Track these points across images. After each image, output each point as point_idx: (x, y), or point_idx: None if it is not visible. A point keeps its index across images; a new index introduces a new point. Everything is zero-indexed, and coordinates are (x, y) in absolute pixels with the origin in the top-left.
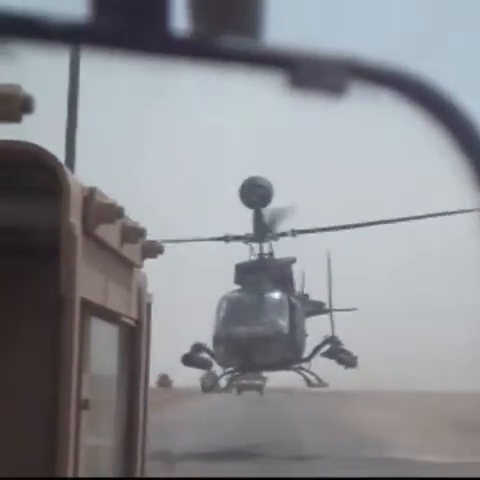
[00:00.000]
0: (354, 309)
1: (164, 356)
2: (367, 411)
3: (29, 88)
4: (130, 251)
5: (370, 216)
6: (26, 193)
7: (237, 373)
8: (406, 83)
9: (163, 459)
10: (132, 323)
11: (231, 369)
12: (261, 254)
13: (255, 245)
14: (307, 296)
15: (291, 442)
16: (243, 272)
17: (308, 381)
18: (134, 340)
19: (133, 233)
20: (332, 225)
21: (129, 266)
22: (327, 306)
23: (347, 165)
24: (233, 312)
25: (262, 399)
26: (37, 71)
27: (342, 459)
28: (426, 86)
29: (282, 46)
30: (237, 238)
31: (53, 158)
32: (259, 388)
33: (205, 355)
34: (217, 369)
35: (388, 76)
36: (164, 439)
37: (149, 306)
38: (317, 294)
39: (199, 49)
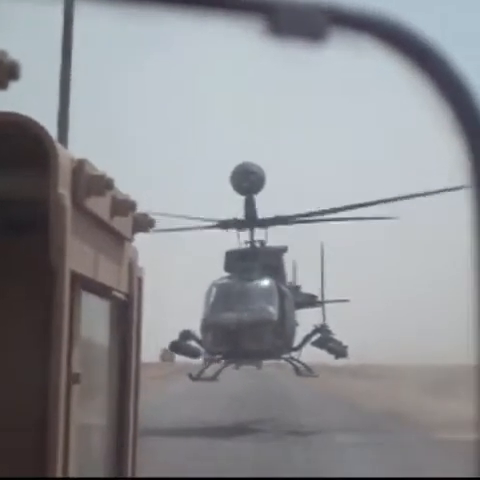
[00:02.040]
0: (346, 300)
1: (167, 331)
2: (351, 381)
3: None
4: (120, 224)
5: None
6: (12, 165)
7: (225, 361)
8: (387, 30)
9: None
10: (123, 297)
11: (219, 357)
12: (252, 241)
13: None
14: (299, 287)
15: (281, 403)
16: (233, 259)
17: (297, 370)
18: (125, 314)
19: (123, 206)
20: (321, 209)
21: (120, 239)
22: (319, 298)
23: (328, 118)
24: (221, 298)
25: (259, 373)
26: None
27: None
28: (407, 32)
29: None
30: (229, 225)
31: (41, 128)
32: (259, 362)
33: (193, 343)
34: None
35: (369, 23)
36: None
37: (140, 280)
38: (309, 286)
39: None
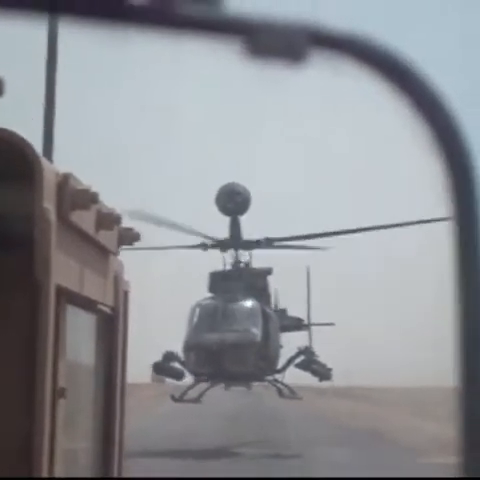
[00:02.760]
0: (331, 324)
1: (157, 353)
2: (336, 401)
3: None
4: (106, 238)
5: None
6: None
7: (210, 382)
8: (366, 50)
9: None
10: (109, 311)
11: (203, 378)
12: (236, 262)
13: (231, 253)
14: (285, 311)
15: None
16: (217, 280)
17: (280, 392)
18: (111, 328)
19: (108, 219)
20: (309, 233)
21: (105, 253)
22: (305, 321)
23: (308, 138)
24: (205, 319)
25: (248, 392)
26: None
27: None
28: (386, 52)
29: (241, 13)
30: (214, 246)
31: (26, 143)
32: (247, 384)
33: (177, 364)
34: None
35: (348, 43)
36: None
37: (126, 294)
38: (294, 309)
39: (156, 16)
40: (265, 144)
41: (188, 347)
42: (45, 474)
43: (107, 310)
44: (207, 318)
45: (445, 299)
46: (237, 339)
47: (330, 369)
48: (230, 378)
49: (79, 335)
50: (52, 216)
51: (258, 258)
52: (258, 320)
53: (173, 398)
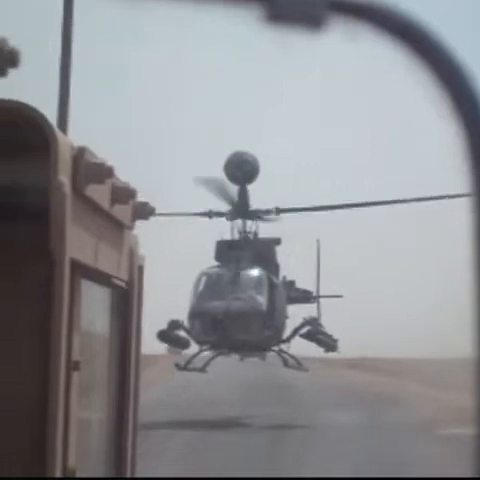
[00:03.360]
0: (340, 296)
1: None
2: (341, 371)
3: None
4: (121, 212)
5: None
6: (13, 152)
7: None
8: (386, 17)
9: None
10: (123, 285)
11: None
12: (244, 232)
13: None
14: (293, 282)
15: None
16: (224, 249)
17: (285, 362)
18: (125, 302)
19: (123, 194)
20: (319, 205)
21: (120, 227)
22: (314, 294)
23: (325, 107)
24: (210, 287)
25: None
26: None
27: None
28: (407, 20)
29: None
30: (221, 215)
31: (41, 116)
32: (255, 354)
33: (182, 333)
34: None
35: (368, 10)
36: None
37: (141, 268)
38: (303, 281)
39: None
40: (280, 113)
41: (193, 315)
42: (59, 445)
43: (122, 284)
44: (212, 286)
45: (459, 271)
46: (242, 308)
47: (336, 340)
48: (234, 347)
49: (94, 308)
50: (67, 189)
51: (268, 228)
52: (264, 289)
53: (177, 366)
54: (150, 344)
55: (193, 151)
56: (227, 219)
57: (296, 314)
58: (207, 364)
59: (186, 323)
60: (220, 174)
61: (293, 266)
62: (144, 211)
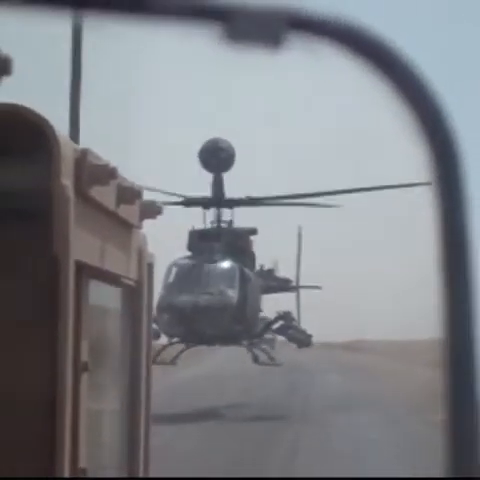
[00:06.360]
0: (319, 287)
1: None
2: (342, 354)
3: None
4: (127, 212)
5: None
6: (15, 155)
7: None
8: (344, 33)
9: None
10: (132, 284)
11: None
12: (218, 221)
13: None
14: (272, 271)
15: None
16: (196, 239)
17: (255, 359)
18: (135, 301)
19: (129, 194)
20: (289, 193)
21: (127, 227)
22: (293, 283)
23: (287, 120)
24: (180, 279)
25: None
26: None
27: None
28: (364, 35)
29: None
30: (195, 203)
31: (43, 119)
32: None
33: (153, 325)
34: None
35: (326, 26)
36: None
37: (150, 266)
38: (282, 270)
39: (134, 2)
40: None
41: (161, 308)
42: (68, 444)
43: (131, 283)
44: (182, 279)
45: (432, 262)
46: (211, 302)
47: (310, 336)
48: (203, 341)
49: (103, 309)
50: (70, 192)
51: (247, 217)
52: (235, 282)
53: None
54: None
55: (167, 140)
56: (202, 208)
57: (276, 303)
58: (177, 357)
59: (155, 314)
60: (194, 163)
61: (273, 253)
62: (152, 210)
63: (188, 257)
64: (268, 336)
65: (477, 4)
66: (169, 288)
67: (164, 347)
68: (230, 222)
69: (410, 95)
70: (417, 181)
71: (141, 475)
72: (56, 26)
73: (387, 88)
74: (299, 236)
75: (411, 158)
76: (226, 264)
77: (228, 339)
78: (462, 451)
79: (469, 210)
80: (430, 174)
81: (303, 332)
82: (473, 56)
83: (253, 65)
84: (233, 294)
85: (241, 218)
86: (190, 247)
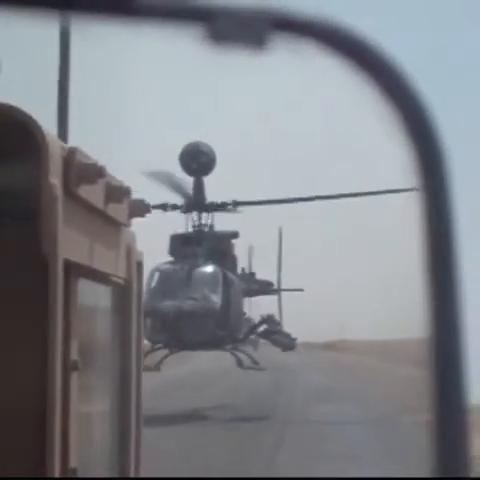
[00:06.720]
0: (301, 290)
1: None
2: (323, 353)
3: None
4: (115, 210)
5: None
6: (3, 154)
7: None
8: (329, 33)
9: None
10: (122, 282)
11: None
12: (199, 225)
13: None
14: (254, 274)
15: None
16: (178, 243)
17: (239, 363)
18: (124, 299)
19: (118, 192)
20: (275, 198)
21: (115, 225)
22: (275, 286)
23: (272, 121)
24: (162, 284)
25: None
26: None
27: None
28: (349, 35)
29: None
30: (176, 207)
31: (30, 118)
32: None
33: None
34: None
35: (311, 26)
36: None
37: (140, 264)
38: (263, 273)
39: (117, 4)
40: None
41: (144, 313)
42: (59, 444)
43: (120, 281)
44: (164, 284)
45: (414, 263)
46: (194, 307)
47: (294, 339)
48: (187, 346)
49: (92, 307)
50: (58, 191)
51: (228, 220)
52: (218, 287)
53: None
54: None
55: (146, 143)
56: (182, 211)
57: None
58: (161, 363)
59: None
60: (176, 166)
61: (254, 258)
62: (140, 208)
63: (170, 262)
64: (251, 337)
65: (459, 4)
66: (152, 294)
67: (147, 353)
68: (211, 226)
69: (395, 95)
70: (402, 184)
71: (132, 475)
72: (44, 28)
73: (372, 89)
74: (280, 236)
75: (396, 159)
76: (209, 269)
77: (212, 344)
78: (449, 450)
79: (454, 210)
80: (415, 175)
81: (287, 336)
82: (459, 56)
83: (238, 66)
84: (217, 299)
85: (222, 221)
86: (172, 252)
